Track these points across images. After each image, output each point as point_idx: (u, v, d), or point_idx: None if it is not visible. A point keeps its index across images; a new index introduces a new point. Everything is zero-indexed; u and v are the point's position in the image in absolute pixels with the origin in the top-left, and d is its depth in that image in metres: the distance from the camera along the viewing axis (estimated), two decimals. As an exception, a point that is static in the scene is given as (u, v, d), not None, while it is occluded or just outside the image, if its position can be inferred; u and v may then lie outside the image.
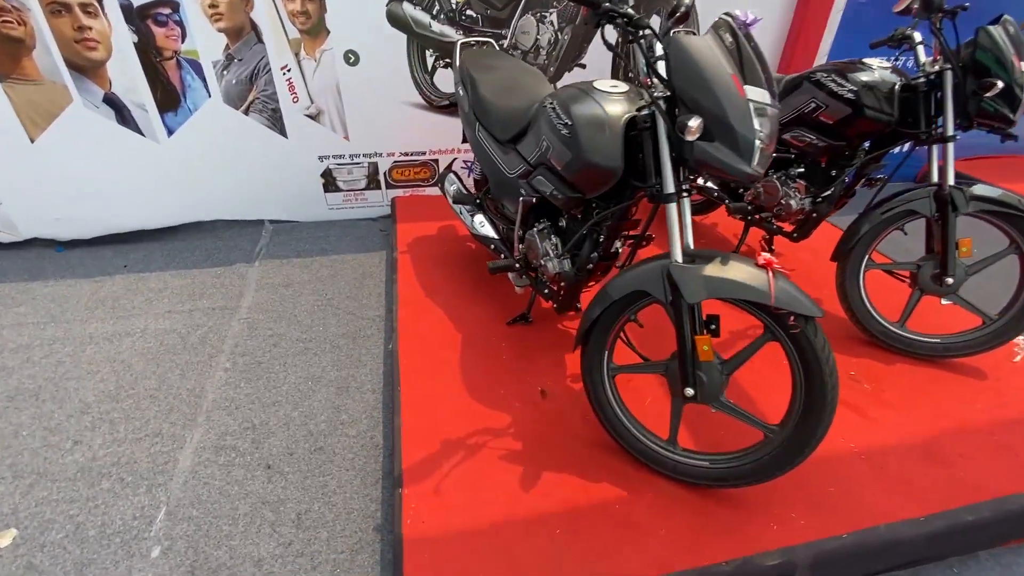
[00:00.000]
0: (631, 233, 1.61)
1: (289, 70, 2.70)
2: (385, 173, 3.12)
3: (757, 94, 1.11)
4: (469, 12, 2.74)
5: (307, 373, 2.05)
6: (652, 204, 1.38)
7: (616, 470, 1.50)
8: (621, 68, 3.08)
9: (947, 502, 1.43)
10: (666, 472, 1.45)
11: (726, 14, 1.23)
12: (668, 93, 1.19)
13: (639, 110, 1.31)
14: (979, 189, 1.73)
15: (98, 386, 1.99)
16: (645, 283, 1.31)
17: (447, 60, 2.84)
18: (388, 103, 2.90)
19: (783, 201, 2.18)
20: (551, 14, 2.82)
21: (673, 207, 1.24)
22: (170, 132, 2.73)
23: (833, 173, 2.10)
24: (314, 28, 2.62)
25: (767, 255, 1.23)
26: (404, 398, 1.72)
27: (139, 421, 1.84)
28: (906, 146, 1.91)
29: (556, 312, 1.76)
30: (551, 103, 1.46)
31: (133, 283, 2.61)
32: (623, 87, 1.41)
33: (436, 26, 2.74)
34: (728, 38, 1.15)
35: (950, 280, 1.79)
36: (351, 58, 2.73)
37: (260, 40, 2.59)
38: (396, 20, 2.69)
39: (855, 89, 1.86)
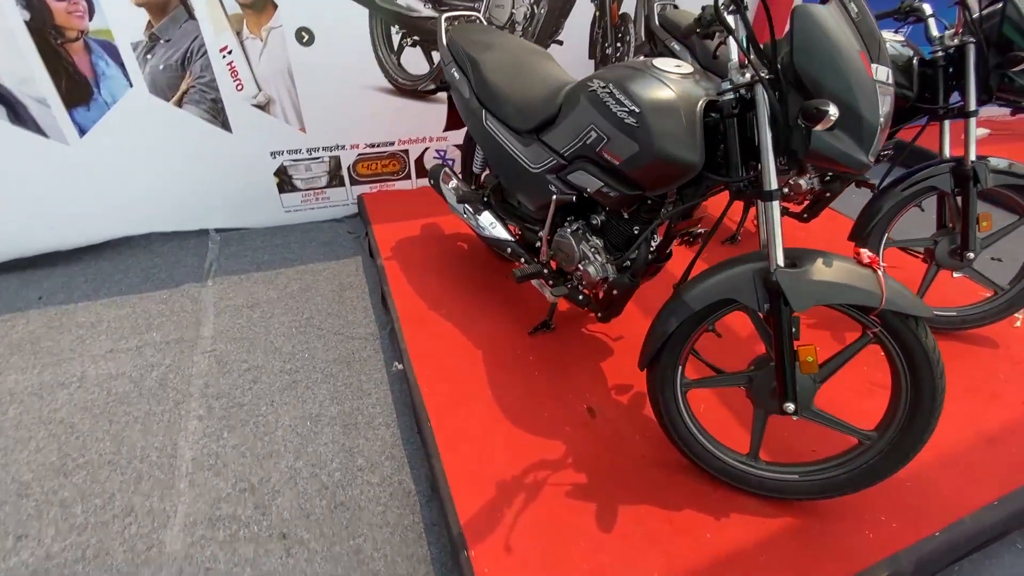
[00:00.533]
0: (693, 230, 1.46)
1: (230, 52, 2.28)
2: (349, 168, 2.77)
3: (882, 73, 0.97)
4: (438, -17, 2.44)
5: (302, 412, 1.75)
6: (740, 201, 1.23)
7: (694, 491, 1.37)
8: (599, 45, 2.90)
9: (1009, 482, 1.42)
10: (750, 489, 1.34)
11: None
12: (769, 75, 1.03)
13: (719, 94, 1.14)
14: (996, 162, 1.73)
15: (35, 458, 1.59)
16: (734, 291, 1.16)
17: (415, 38, 2.53)
18: (349, 88, 2.55)
19: (791, 182, 2.12)
20: (529, -15, 2.57)
21: (774, 205, 1.09)
22: (82, 131, 2.24)
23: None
24: (258, 1, 2.22)
25: (868, 252, 1.12)
26: (439, 436, 1.49)
27: (100, 498, 1.48)
28: (922, 120, 1.89)
29: (600, 321, 1.59)
30: (603, 86, 1.26)
31: (55, 319, 2.14)
32: (687, 67, 1.23)
33: (402, -1, 2.42)
34: (853, 7, 1.00)
35: (971, 255, 1.80)
36: (304, 37, 2.35)
37: (192, 16, 2.16)
38: (356, -8, 2.34)
39: None
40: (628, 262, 1.45)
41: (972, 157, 1.73)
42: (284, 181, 2.68)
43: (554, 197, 1.52)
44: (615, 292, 1.46)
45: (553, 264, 1.70)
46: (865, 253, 1.11)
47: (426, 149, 2.86)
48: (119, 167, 2.36)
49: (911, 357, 1.12)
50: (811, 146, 1.01)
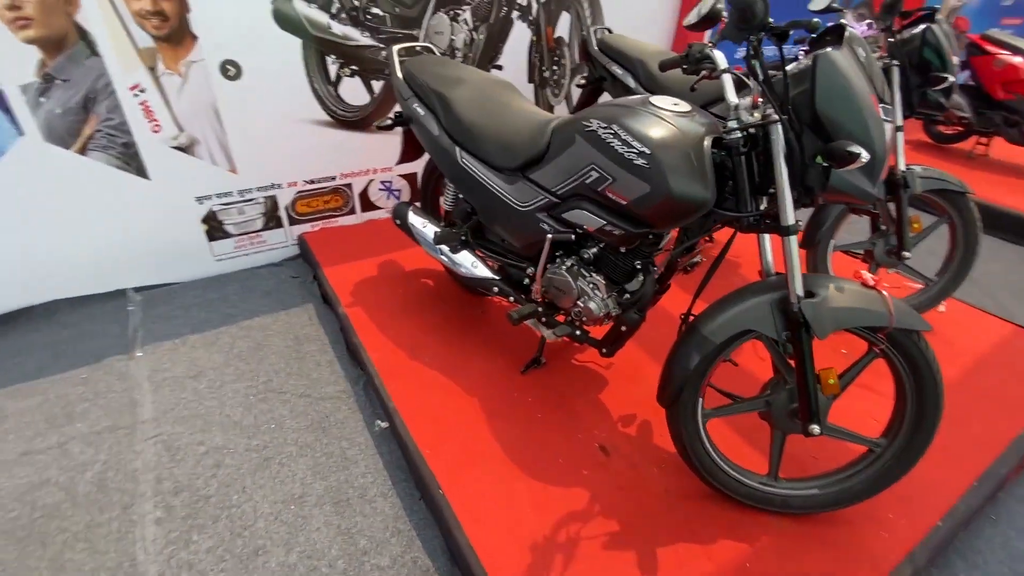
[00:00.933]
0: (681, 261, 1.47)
1: (142, 90, 2.01)
2: (287, 207, 2.55)
3: (884, 111, 1.03)
4: (375, 10, 2.32)
5: (282, 494, 1.55)
6: (742, 232, 1.25)
7: (723, 519, 1.37)
8: (537, 69, 2.91)
9: (981, 461, 1.57)
10: (774, 508, 1.36)
11: (842, 25, 1.12)
12: (783, 116, 1.06)
13: (726, 132, 1.16)
14: (920, 170, 1.93)
15: (-57, 611, 1.27)
16: (755, 322, 1.18)
17: (353, 68, 2.39)
18: (284, 123, 2.35)
19: None
20: (465, 11, 2.52)
21: (793, 239, 1.12)
22: (-42, 190, 1.86)
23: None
24: (174, 33, 1.98)
25: (868, 275, 1.18)
26: (455, 503, 1.38)
27: (46, 647, 1.21)
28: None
29: (604, 356, 1.55)
30: (604, 126, 1.23)
31: (-60, 422, 1.75)
32: (683, 105, 1.24)
33: (337, 27, 2.27)
34: (860, 52, 1.05)
35: (907, 253, 1.99)
36: (230, 70, 2.13)
37: (95, 52, 1.88)
38: (286, 21, 2.16)
39: None
40: (628, 295, 1.44)
41: (902, 166, 1.91)
42: (214, 227, 2.41)
43: (549, 236, 1.47)
44: (623, 328, 1.43)
45: (540, 298, 1.65)
46: (868, 276, 1.17)
47: (370, 182, 2.71)
48: (11, 227, 1.99)
49: (915, 368, 1.19)
50: (830, 183, 1.05)
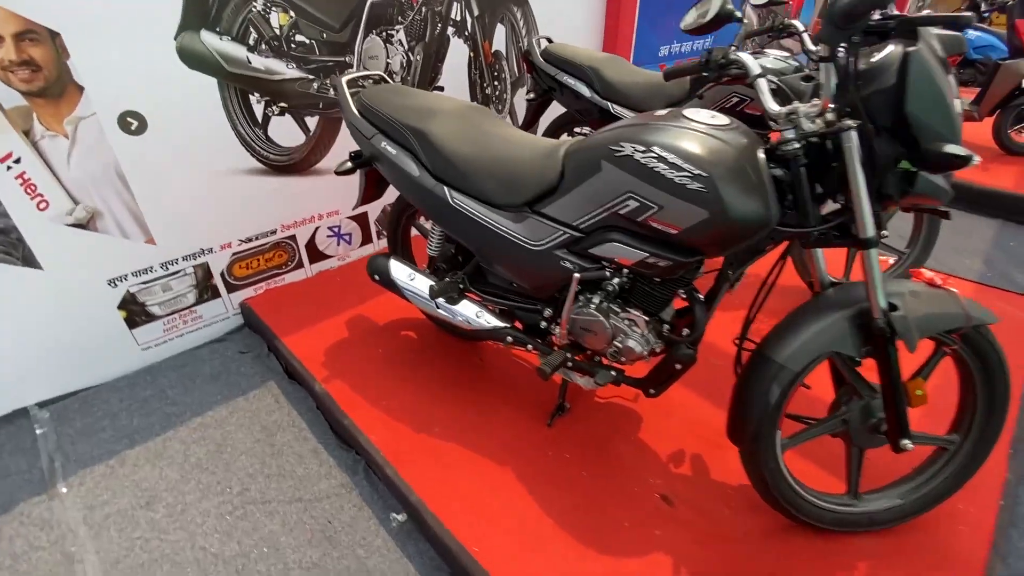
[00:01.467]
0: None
1: (17, 161, 1.60)
2: (223, 273, 2.18)
3: (959, 106, 0.96)
4: (299, 38, 2.02)
5: (301, 638, 1.25)
6: (807, 247, 1.15)
7: (811, 549, 1.27)
8: (478, 86, 2.74)
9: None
10: (861, 528, 1.28)
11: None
12: (855, 122, 0.96)
13: (783, 143, 1.04)
14: None
15: None
16: (836, 343, 1.09)
17: (281, 105, 2.08)
18: (206, 177, 1.99)
19: None
20: (398, 32, 2.29)
21: (873, 252, 1.03)
22: None
23: None
24: (52, 86, 1.59)
25: (929, 273, 1.13)
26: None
27: None
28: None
29: (651, 396, 1.40)
30: (643, 150, 1.07)
31: None
32: (721, 117, 1.11)
33: (258, 61, 1.96)
34: (937, 47, 0.97)
35: (885, 232, 2.03)
36: (132, 123, 1.76)
37: (-56, 119, 1.45)
38: (195, 59, 1.82)
39: None
40: (668, 327, 1.30)
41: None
42: (135, 312, 1.99)
43: (576, 275, 1.29)
44: (678, 367, 1.29)
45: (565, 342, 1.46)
46: (933, 275, 1.11)
47: (316, 229, 2.39)
48: None
49: (986, 362, 1.15)
50: (916, 188, 0.97)
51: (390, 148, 1.50)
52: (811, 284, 1.25)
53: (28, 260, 1.70)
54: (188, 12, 1.75)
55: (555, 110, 2.57)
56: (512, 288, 1.52)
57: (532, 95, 2.55)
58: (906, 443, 1.13)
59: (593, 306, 1.34)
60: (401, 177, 1.51)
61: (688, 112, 1.12)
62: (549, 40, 2.49)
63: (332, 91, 2.16)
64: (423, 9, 2.33)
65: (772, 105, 1.07)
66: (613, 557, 1.27)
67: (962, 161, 0.90)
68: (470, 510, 1.39)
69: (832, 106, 0.98)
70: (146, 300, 2.00)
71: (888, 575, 1.21)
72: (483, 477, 1.48)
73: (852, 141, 0.97)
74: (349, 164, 1.64)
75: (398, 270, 1.66)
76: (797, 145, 1.02)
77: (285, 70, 2.03)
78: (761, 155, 1.06)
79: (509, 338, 1.53)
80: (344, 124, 1.67)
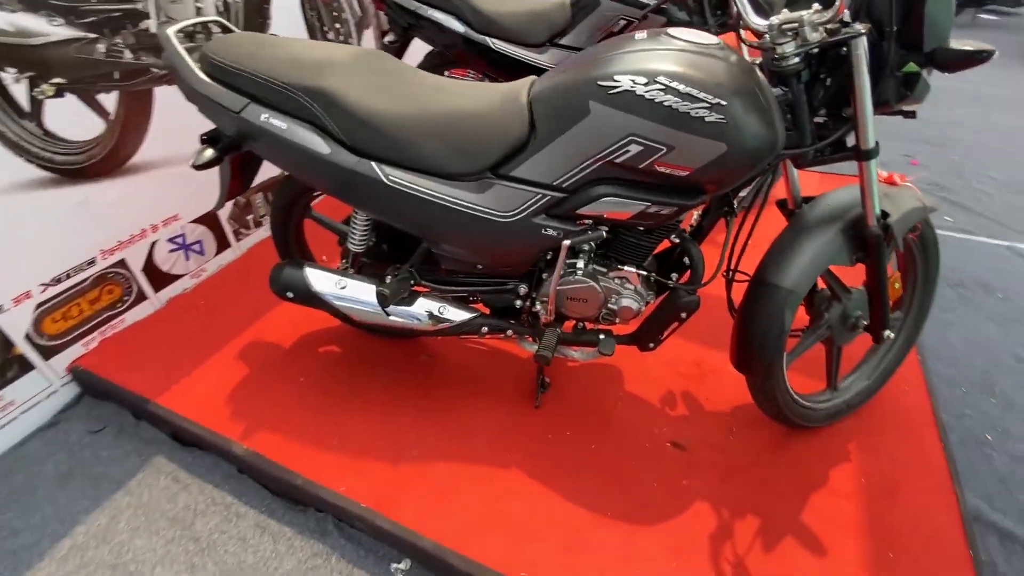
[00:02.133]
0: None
1: None
2: (28, 334, 1.54)
3: None
4: (57, -21, 1.39)
5: None
6: (803, 167, 1.10)
7: (816, 449, 1.35)
8: (318, 31, 2.25)
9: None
10: (843, 415, 1.39)
11: None
12: (863, 26, 0.89)
13: (780, 58, 0.95)
14: None
15: None
16: (833, 258, 1.11)
17: (57, 81, 1.45)
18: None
19: None
20: (203, -36, 1.72)
21: (873, 163, 1.02)
22: None
23: None
24: None
25: (886, 172, 1.18)
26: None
27: None
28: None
29: (648, 351, 1.31)
30: (645, 81, 0.90)
31: None
32: (708, 36, 0.98)
33: (2, 19, 1.30)
34: None
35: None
36: None
37: None
38: None
39: None
40: (656, 276, 1.21)
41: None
42: None
43: (565, 243, 1.11)
44: (683, 315, 1.21)
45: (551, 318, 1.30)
46: (891, 174, 1.17)
47: (153, 245, 1.81)
48: None
49: (926, 245, 1.28)
50: (918, 91, 0.96)
51: (276, 121, 1.11)
52: (783, 204, 1.26)
53: None
54: None
55: (417, 51, 2.23)
56: (475, 271, 1.28)
57: (391, 36, 2.17)
58: (888, 333, 1.22)
59: (580, 272, 1.18)
60: (299, 158, 1.14)
61: (673, 32, 0.97)
62: None
63: (145, 54, 1.56)
64: (230, -68, 1.78)
65: (756, 19, 0.97)
66: (659, 523, 1.21)
67: (987, 55, 0.90)
68: (491, 530, 1.20)
69: (847, 11, 0.91)
70: (-92, 405, 1.33)
71: (869, 456, 1.35)
72: (489, 489, 1.29)
73: (862, 48, 0.92)
74: (210, 152, 1.20)
75: (320, 280, 1.30)
76: (797, 60, 0.95)
77: (48, 28, 1.39)
78: (761, 74, 0.96)
79: (485, 328, 1.32)
80: (183, 95, 1.19)
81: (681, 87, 0.90)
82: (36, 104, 1.41)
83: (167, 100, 1.72)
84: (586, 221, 1.11)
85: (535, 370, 1.53)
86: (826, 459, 1.34)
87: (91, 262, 1.64)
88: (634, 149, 0.96)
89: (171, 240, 1.86)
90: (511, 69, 2.03)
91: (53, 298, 1.57)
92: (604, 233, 1.11)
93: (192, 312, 1.87)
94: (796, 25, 0.92)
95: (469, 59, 2.16)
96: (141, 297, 1.81)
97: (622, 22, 1.92)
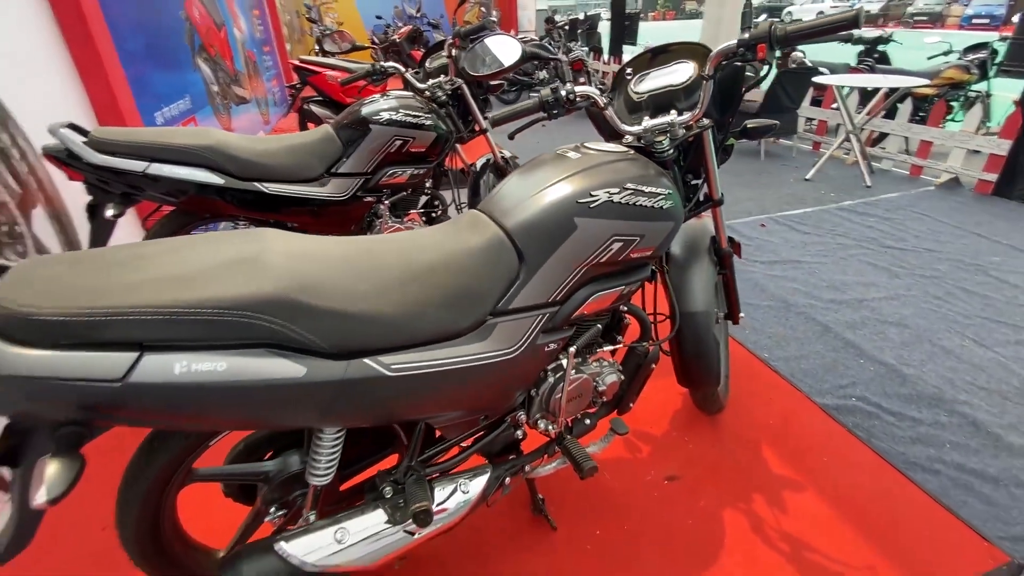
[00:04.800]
0: None
1: None
2: None
3: None
4: None
5: None
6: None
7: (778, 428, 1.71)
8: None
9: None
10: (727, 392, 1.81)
11: None
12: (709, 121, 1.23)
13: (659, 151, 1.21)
14: None
15: None
16: (712, 275, 1.50)
17: None
18: None
19: None
20: None
21: (721, 208, 1.40)
22: None
23: None
24: None
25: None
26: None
27: None
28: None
29: (622, 413, 1.38)
30: (617, 191, 1.02)
31: None
32: (615, 144, 1.17)
33: None
34: None
35: None
36: None
37: None
38: None
39: None
40: (621, 340, 1.34)
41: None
42: None
43: (571, 349, 1.11)
44: (652, 366, 1.34)
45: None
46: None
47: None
48: None
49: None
50: (730, 154, 1.36)
51: (202, 366, 0.74)
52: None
53: None
54: None
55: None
56: (477, 425, 1.12)
57: (112, 210, 1.64)
58: (742, 315, 1.67)
59: (576, 370, 1.21)
60: (251, 402, 0.78)
61: (592, 145, 1.13)
62: (76, 128, 1.62)
63: None
64: None
65: (625, 127, 1.21)
66: (708, 557, 1.32)
67: (773, 126, 1.35)
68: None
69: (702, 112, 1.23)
70: None
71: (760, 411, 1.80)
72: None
73: (711, 134, 1.26)
74: (64, 461, 0.70)
75: (311, 545, 0.89)
76: (672, 150, 1.24)
77: None
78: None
79: (507, 479, 1.16)
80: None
81: (643, 187, 1.06)
82: None
83: None
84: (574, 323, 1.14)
85: (526, 503, 1.44)
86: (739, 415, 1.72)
87: None
88: (616, 246, 1.07)
89: None
90: (283, 206, 1.86)
91: None
92: (600, 326, 1.17)
93: None
94: (666, 127, 1.21)
95: (221, 208, 1.84)
96: None
97: (397, 141, 1.97)
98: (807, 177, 4.42)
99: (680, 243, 1.51)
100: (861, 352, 2.17)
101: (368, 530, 0.97)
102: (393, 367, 0.89)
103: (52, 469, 0.70)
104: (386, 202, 2.09)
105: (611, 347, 1.29)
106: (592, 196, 1.03)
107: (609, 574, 1.28)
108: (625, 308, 1.32)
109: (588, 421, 1.34)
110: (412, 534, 1.00)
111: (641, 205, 1.07)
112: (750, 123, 1.39)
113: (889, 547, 1.33)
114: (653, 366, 1.37)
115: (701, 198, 1.42)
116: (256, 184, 1.77)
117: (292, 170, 1.84)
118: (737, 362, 2.01)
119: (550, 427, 1.21)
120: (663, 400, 1.81)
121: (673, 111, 1.25)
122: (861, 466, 1.57)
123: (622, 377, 1.31)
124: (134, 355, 0.71)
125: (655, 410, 1.78)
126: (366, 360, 0.86)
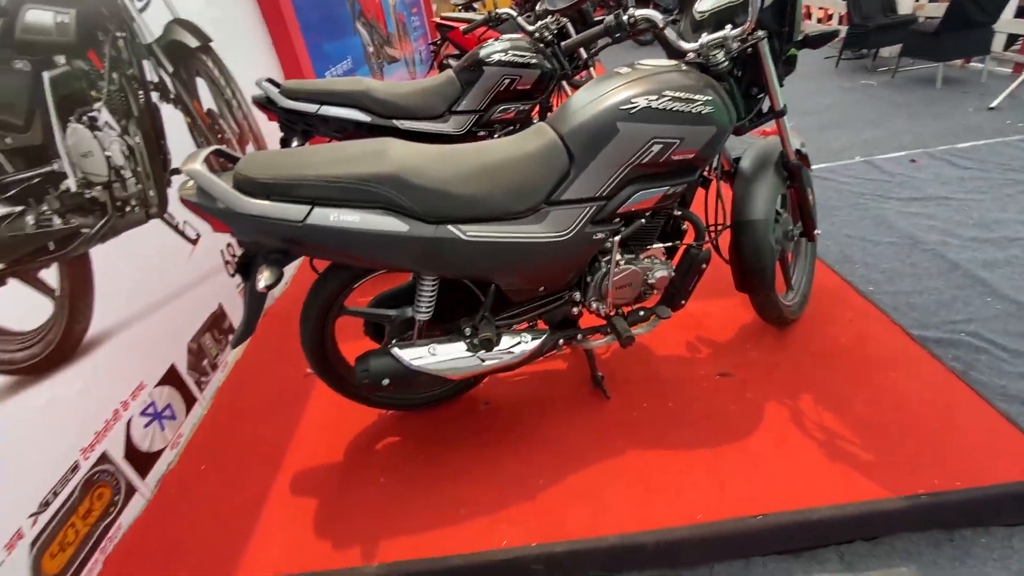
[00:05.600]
0: None
1: None
2: (30, 587, 1.20)
3: None
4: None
5: None
6: (741, 134, 1.50)
7: (812, 329, 1.79)
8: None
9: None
10: (805, 305, 1.85)
11: None
12: (763, 32, 1.34)
13: (714, 65, 1.34)
14: None
15: None
16: (779, 187, 1.56)
17: (-6, 269, 1.21)
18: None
19: None
20: (99, 111, 1.59)
21: (786, 118, 1.48)
22: None
23: None
24: None
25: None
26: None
27: None
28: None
29: (677, 309, 1.57)
30: (655, 98, 1.21)
31: None
32: (665, 60, 1.34)
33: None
34: None
35: None
36: None
37: None
38: None
39: None
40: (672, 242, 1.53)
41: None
42: None
43: (615, 239, 1.35)
44: (704, 266, 1.51)
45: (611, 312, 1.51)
46: (766, 128, 1.67)
47: (129, 424, 1.54)
48: None
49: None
50: (795, 65, 1.44)
51: (347, 217, 1.15)
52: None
53: None
54: None
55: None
56: (537, 295, 1.44)
57: (296, 142, 2.20)
58: (818, 232, 1.71)
59: (624, 260, 1.43)
60: (375, 245, 1.18)
61: (646, 62, 1.31)
62: (273, 82, 2.17)
63: (73, 216, 1.36)
64: (114, 76, 1.67)
65: (682, 44, 1.36)
66: (741, 436, 1.48)
67: (834, 33, 1.41)
68: (655, 494, 1.34)
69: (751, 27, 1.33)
70: None
71: (830, 327, 1.83)
72: (625, 469, 1.42)
73: (766, 46, 1.36)
74: (274, 269, 1.17)
75: (414, 354, 1.31)
76: (727, 63, 1.36)
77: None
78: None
79: (561, 341, 1.47)
80: (213, 226, 1.14)
81: (681, 94, 1.23)
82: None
83: (102, 260, 1.52)
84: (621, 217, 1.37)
85: (587, 374, 1.71)
86: (812, 334, 1.78)
87: (74, 468, 1.34)
88: (656, 148, 1.26)
89: (143, 413, 1.59)
90: (415, 141, 2.26)
91: (46, 528, 1.25)
92: (643, 221, 1.38)
93: (200, 484, 1.61)
94: (721, 40, 1.34)
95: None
96: (131, 491, 1.51)
97: (506, 80, 2.27)
98: (992, 105, 3.78)
99: (750, 157, 1.60)
100: (992, 290, 2.00)
101: (451, 352, 1.35)
102: (468, 233, 1.22)
103: (266, 273, 1.16)
104: (496, 136, 2.41)
105: (664, 245, 1.49)
106: (632, 103, 1.23)
107: (645, 437, 1.50)
108: (679, 213, 1.50)
109: (642, 312, 1.56)
110: (482, 360, 1.36)
111: (678, 111, 1.24)
112: (811, 32, 1.42)
113: (939, 447, 1.36)
114: (704, 266, 1.53)
115: (764, 109, 1.50)
116: (393, 121, 2.20)
117: (421, 109, 2.24)
118: (827, 291, 2.00)
119: (601, 308, 1.47)
120: (731, 314, 1.92)
121: (729, 25, 1.35)
122: (935, 386, 1.56)
123: (673, 274, 1.50)
124: (308, 207, 1.14)
125: (721, 319, 1.91)
126: (449, 226, 1.21)
